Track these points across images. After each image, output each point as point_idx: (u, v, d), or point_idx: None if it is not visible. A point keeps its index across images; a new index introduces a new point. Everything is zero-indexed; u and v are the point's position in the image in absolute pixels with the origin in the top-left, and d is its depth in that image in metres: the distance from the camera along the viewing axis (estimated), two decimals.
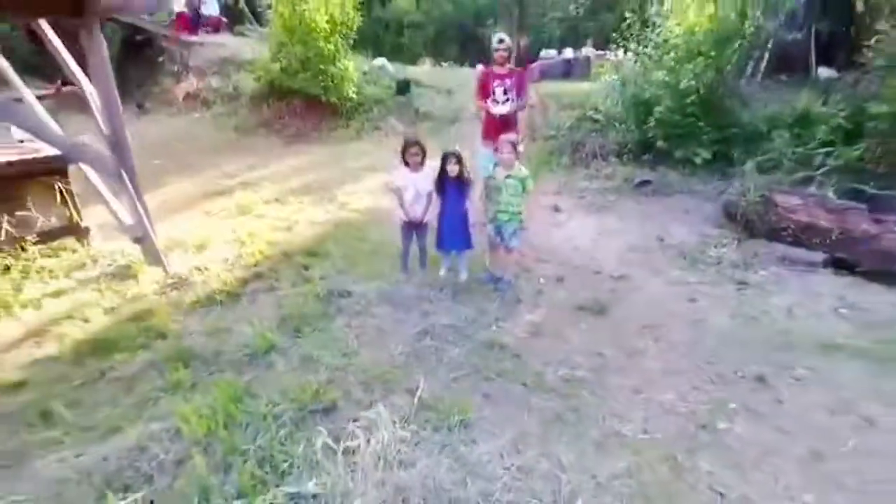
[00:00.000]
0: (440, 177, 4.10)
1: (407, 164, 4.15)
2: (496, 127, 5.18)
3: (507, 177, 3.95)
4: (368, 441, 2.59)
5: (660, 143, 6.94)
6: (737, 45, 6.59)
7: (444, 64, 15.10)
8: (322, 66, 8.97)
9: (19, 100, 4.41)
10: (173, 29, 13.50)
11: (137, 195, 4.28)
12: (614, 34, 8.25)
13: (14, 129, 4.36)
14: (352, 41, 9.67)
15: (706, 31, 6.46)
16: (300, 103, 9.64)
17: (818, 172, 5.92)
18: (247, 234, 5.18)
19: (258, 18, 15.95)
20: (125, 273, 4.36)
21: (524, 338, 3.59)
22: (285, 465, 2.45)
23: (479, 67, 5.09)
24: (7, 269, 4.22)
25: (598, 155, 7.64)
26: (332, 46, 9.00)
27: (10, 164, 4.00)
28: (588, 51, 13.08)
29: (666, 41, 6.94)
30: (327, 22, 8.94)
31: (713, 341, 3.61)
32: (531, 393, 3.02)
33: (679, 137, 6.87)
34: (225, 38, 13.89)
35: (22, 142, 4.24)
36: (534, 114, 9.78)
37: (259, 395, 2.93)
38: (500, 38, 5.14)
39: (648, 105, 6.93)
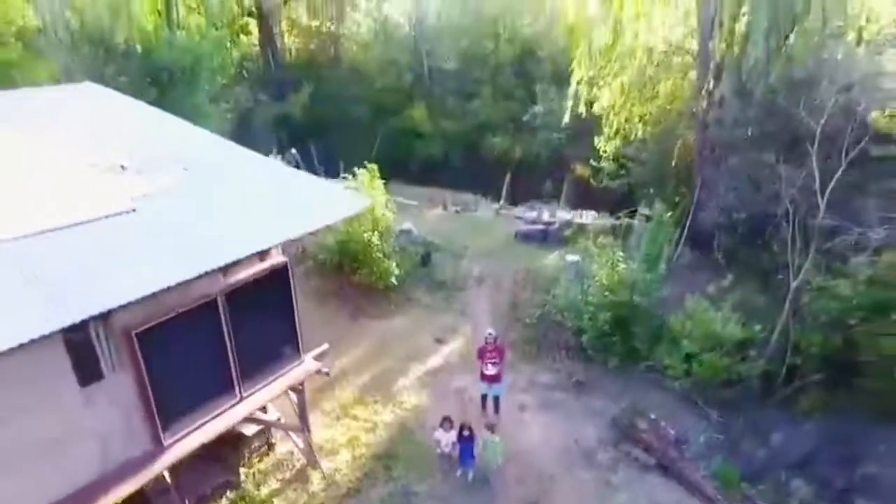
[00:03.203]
0: (459, 434, 8.48)
1: (442, 427, 8.54)
2: (488, 377, 9.65)
3: (491, 442, 8.34)
4: None
5: (590, 352, 11.35)
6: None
7: (451, 206, 19.52)
8: (374, 267, 13.39)
9: None
10: None
11: (309, 435, 8.67)
12: None
13: None
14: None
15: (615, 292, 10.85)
16: (357, 280, 14.02)
17: (676, 384, 10.34)
18: (352, 437, 9.57)
19: (311, 166, 20.45)
20: (303, 475, 8.75)
21: None
22: None
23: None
24: (245, 475, 8.63)
25: (556, 346, 12.06)
26: (381, 254, 13.41)
27: (253, 434, 8.46)
28: (561, 214, 17.48)
29: (584, 294, 11.35)
30: (378, 236, 13.35)
31: None
32: None
33: (602, 348, 11.27)
34: None
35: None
36: (519, 289, 14.25)
37: None
38: (490, 332, 9.61)
39: (581, 329, 11.32)
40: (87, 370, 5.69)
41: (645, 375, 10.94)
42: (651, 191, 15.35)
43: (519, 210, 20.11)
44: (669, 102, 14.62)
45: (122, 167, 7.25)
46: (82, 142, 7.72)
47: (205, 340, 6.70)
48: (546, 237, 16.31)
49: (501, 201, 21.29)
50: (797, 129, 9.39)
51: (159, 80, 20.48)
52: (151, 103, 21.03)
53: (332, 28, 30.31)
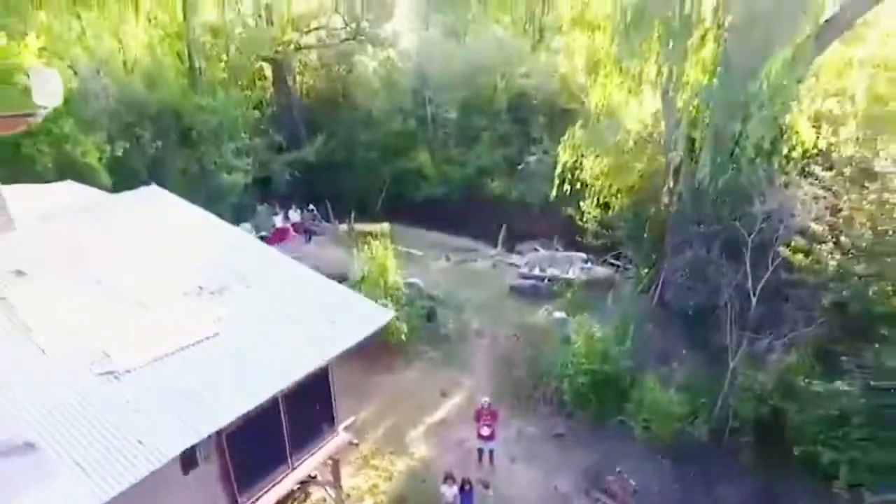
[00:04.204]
0: (461, 488, 10.62)
1: (446, 482, 10.68)
2: (483, 436, 11.79)
3: (485, 496, 10.48)
4: None
5: (570, 407, 13.48)
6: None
7: (452, 256, 21.67)
8: (385, 327, 15.50)
9: None
10: (274, 240, 20.15)
11: (341, 491, 10.80)
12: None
13: None
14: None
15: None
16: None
17: (640, 438, 12.46)
18: (373, 485, 11.70)
19: (326, 216, 22.70)
20: None
21: None
22: None
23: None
24: None
25: (543, 401, 14.18)
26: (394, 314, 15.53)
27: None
28: (552, 271, 19.60)
29: (572, 353, 13.48)
30: (390, 298, 15.48)
31: None
32: None
33: (580, 404, 13.39)
34: (308, 246, 20.51)
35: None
36: (512, 345, 16.39)
37: None
38: (485, 399, 11.76)
39: (561, 390, 13.45)
40: (189, 463, 7.83)
41: (616, 429, 13.06)
42: (630, 251, 17.43)
43: (515, 257, 22.22)
44: (643, 178, 16.71)
45: (201, 288, 9.40)
46: (161, 260, 9.85)
47: (268, 428, 8.84)
48: (537, 291, 18.44)
49: (499, 248, 23.40)
50: (736, 235, 11.46)
51: (189, 139, 22.70)
52: (183, 161, 23.22)
53: (342, 72, 32.42)
